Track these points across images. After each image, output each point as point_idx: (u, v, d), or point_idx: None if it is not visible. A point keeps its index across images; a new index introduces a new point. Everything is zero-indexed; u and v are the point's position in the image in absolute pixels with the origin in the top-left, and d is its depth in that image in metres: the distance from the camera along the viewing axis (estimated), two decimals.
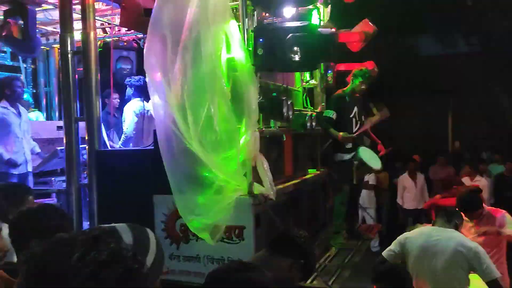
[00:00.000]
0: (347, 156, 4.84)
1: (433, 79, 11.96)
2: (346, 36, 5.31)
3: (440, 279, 3.28)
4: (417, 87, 11.98)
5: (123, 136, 5.14)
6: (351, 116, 4.94)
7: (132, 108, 5.18)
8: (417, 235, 3.44)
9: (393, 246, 3.47)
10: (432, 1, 10.40)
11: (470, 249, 3.23)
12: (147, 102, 5.09)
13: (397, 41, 11.65)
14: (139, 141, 5.11)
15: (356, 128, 4.98)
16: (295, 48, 3.44)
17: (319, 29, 3.92)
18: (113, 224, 1.23)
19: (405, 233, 3.56)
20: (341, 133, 4.78)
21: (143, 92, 5.13)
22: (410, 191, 8.37)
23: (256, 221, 3.50)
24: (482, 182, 7.47)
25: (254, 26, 3.73)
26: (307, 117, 4.59)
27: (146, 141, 5.01)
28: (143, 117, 5.14)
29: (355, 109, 4.96)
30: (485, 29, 10.72)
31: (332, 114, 4.83)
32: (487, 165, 8.82)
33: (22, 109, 5.13)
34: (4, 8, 4.49)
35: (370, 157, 4.94)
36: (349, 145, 4.88)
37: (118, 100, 5.54)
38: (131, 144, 5.12)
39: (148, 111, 5.17)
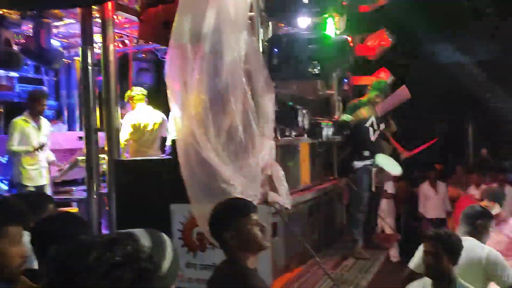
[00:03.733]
0: (369, 162, 4.83)
1: (452, 87, 11.81)
2: (362, 50, 5.32)
3: None
4: (436, 95, 11.85)
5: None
6: (368, 125, 4.92)
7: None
8: None
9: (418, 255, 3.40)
10: (449, 9, 10.32)
11: (484, 257, 3.08)
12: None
13: (415, 49, 11.56)
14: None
15: (374, 137, 4.96)
16: (312, 60, 3.49)
17: (333, 37, 3.93)
18: (130, 230, 1.27)
19: None
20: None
21: None
22: (431, 200, 8.25)
23: (273, 230, 3.50)
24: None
25: (269, 37, 3.77)
26: (323, 126, 4.59)
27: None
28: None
29: (372, 118, 4.94)
30: (504, 36, 10.56)
31: (348, 118, 4.84)
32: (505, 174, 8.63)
33: (43, 122, 5.22)
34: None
35: (389, 163, 4.90)
36: (367, 153, 4.85)
37: None
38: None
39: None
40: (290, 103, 4.11)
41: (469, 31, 10.56)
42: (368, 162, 4.81)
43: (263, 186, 3.48)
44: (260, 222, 2.10)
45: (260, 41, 3.79)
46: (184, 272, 3.68)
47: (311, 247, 3.79)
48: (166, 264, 1.23)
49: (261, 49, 3.69)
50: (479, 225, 3.20)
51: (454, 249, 2.68)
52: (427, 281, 2.78)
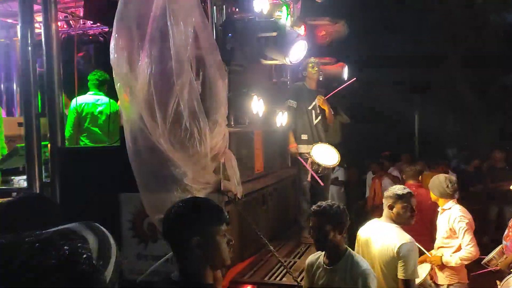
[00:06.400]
0: (303, 149, 4.84)
1: (401, 77, 12.21)
2: (316, 21, 5.28)
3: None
4: (386, 85, 12.21)
5: None
6: (310, 108, 4.93)
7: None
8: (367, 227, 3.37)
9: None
10: (401, 2, 10.62)
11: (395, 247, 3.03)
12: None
13: (368, 39, 11.83)
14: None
15: (316, 121, 4.97)
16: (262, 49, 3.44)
17: (285, 31, 3.87)
18: (70, 226, 1.15)
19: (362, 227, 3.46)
20: (292, 146, 4.79)
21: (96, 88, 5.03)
22: None
23: None
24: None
25: (223, 21, 3.67)
26: (277, 114, 4.56)
27: None
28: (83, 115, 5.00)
29: (315, 101, 4.96)
30: (452, 30, 11.03)
31: (293, 103, 4.83)
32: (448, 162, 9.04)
33: None
34: None
35: (324, 154, 4.83)
36: (305, 137, 4.86)
37: None
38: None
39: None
40: (245, 90, 4.04)
41: (420, 24, 10.92)
42: (306, 149, 4.82)
43: (216, 174, 3.41)
44: (229, 236, 1.80)
45: (214, 26, 3.68)
46: (135, 264, 3.56)
47: (265, 236, 3.77)
48: (112, 261, 1.13)
49: (214, 34, 3.58)
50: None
51: (336, 220, 2.66)
52: (320, 254, 2.83)
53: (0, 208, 1.78)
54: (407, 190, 3.23)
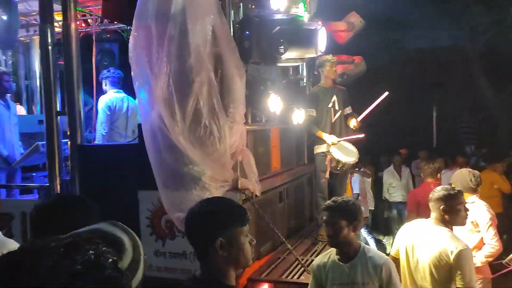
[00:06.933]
0: (324, 148, 4.82)
1: (418, 72, 12.03)
2: (333, 25, 5.28)
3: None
4: (403, 80, 12.05)
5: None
6: (330, 106, 4.91)
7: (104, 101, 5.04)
8: (410, 229, 3.19)
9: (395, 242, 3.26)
10: None
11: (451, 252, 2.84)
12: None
13: (384, 35, 11.69)
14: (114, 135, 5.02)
15: (335, 117, 4.95)
16: (281, 44, 3.42)
17: (305, 24, 3.85)
18: (99, 227, 1.14)
19: (402, 228, 3.30)
20: (328, 139, 4.77)
21: (117, 85, 5.08)
22: (395, 185, 8.41)
23: None
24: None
25: (240, 18, 3.66)
26: (294, 111, 4.54)
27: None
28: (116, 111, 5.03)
29: (333, 98, 4.94)
30: (469, 23, 10.82)
31: (312, 112, 4.81)
32: (467, 159, 8.85)
33: (11, 102, 5.02)
34: None
35: (343, 151, 4.80)
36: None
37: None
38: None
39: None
40: (262, 88, 4.02)
41: (436, 17, 10.74)
42: (326, 148, 4.79)
43: (234, 172, 3.42)
44: (250, 236, 1.79)
45: (231, 23, 3.68)
46: (153, 261, 3.59)
47: (282, 233, 3.77)
48: (142, 263, 1.14)
49: (232, 32, 3.58)
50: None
51: (351, 216, 2.60)
52: (333, 251, 2.75)
53: (35, 210, 1.75)
54: (457, 188, 3.10)
